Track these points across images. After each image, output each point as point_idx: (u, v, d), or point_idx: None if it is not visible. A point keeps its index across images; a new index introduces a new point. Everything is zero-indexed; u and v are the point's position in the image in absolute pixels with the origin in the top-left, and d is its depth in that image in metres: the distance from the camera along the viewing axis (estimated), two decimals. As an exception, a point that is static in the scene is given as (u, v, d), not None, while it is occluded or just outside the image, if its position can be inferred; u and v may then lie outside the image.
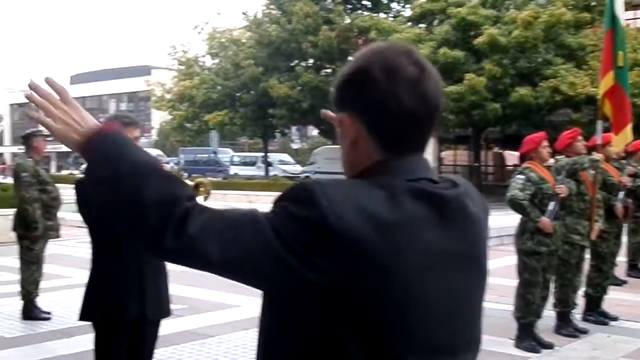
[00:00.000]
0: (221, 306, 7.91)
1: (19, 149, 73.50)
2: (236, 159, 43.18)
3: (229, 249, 1.21)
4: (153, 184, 1.24)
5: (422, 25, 29.91)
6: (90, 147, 1.30)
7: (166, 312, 3.59)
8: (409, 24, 29.95)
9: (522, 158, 6.40)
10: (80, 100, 79.65)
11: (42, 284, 7.42)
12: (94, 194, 1.28)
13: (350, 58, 1.49)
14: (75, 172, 53.18)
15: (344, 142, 1.42)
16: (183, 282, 7.52)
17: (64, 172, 43.34)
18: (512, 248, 6.52)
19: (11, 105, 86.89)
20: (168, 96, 37.85)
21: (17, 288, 7.41)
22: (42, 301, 7.40)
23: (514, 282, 6.43)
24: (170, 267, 3.44)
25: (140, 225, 1.23)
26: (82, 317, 3.51)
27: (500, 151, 34.27)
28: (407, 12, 32.01)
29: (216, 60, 36.69)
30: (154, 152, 35.96)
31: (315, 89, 31.61)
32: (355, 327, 1.24)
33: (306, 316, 1.27)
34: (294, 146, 56.60)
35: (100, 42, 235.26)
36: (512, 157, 29.38)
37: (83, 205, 3.47)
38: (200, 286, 8.62)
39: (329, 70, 33.10)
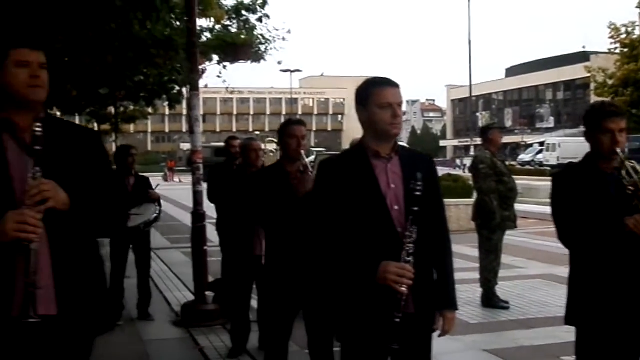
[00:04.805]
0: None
1: (460, 142, 76.56)
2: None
3: None
4: None
5: None
6: None
7: None
8: None
9: None
10: (517, 92, 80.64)
11: (499, 273, 7.55)
12: None
13: None
14: (513, 162, 53.75)
15: None
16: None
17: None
18: None
19: (452, 100, 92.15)
20: (610, 82, 35.90)
21: (473, 275, 7.68)
22: (500, 290, 7.53)
23: None
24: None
25: None
26: (567, 321, 3.31)
27: None
28: None
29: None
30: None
31: None
32: None
33: None
34: None
35: (536, 32, 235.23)
36: None
37: (556, 200, 3.27)
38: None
39: None
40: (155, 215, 7.06)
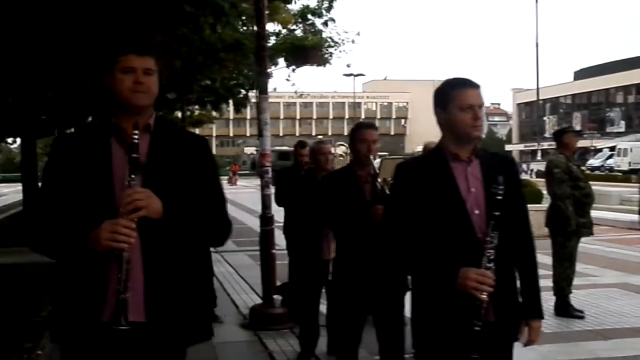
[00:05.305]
0: None
1: (526, 146, 75.35)
2: None
3: None
4: None
5: None
6: None
7: None
8: None
9: None
10: (585, 95, 78.68)
11: (573, 282, 7.31)
12: None
13: None
14: (582, 167, 52.41)
15: None
16: None
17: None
18: None
19: (518, 104, 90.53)
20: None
21: (545, 283, 7.42)
22: (573, 299, 7.29)
23: None
24: None
25: None
26: None
27: None
28: None
29: None
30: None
31: None
32: None
33: None
34: None
35: (605, 35, 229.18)
36: None
37: None
38: None
39: None
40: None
